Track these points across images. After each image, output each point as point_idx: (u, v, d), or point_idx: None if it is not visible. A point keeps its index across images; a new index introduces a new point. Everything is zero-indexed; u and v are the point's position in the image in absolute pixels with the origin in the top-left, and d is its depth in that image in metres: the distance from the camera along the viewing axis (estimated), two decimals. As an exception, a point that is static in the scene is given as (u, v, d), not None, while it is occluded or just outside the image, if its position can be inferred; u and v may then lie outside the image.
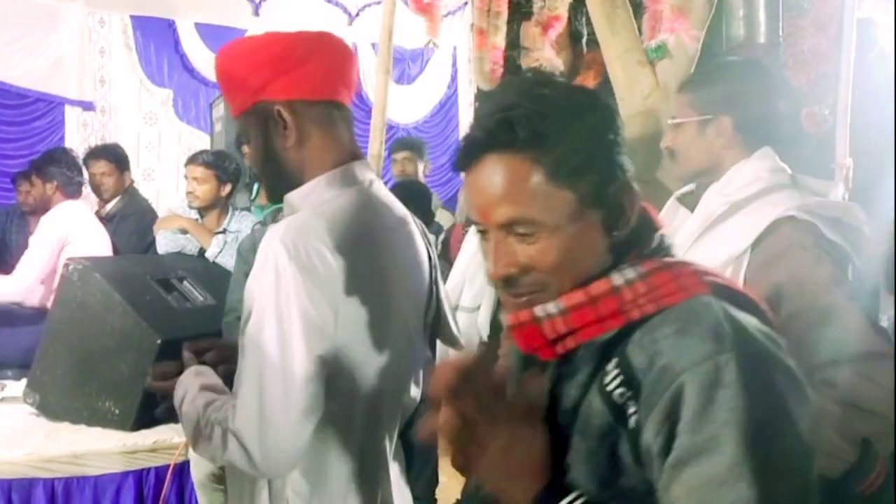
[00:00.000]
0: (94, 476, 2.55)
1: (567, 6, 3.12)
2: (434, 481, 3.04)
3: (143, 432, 2.65)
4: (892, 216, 2.18)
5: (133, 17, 6.46)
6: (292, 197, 1.45)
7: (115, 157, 4.47)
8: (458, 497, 1.39)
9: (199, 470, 2.61)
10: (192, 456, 2.63)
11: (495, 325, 2.46)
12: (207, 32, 6.61)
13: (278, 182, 1.48)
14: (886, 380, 1.64)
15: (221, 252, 3.53)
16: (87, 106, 6.38)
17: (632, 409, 0.94)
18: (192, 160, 3.66)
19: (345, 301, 1.34)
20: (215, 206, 3.63)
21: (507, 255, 1.01)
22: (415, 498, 1.66)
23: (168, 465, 2.58)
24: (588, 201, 1.00)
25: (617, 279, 1.00)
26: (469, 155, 1.03)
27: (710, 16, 2.59)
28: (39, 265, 3.82)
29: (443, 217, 4.18)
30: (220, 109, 5.32)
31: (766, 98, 1.90)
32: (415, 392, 1.58)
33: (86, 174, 4.37)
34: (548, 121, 0.99)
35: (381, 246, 1.44)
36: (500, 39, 3.64)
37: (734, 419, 0.87)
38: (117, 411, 2.65)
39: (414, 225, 1.59)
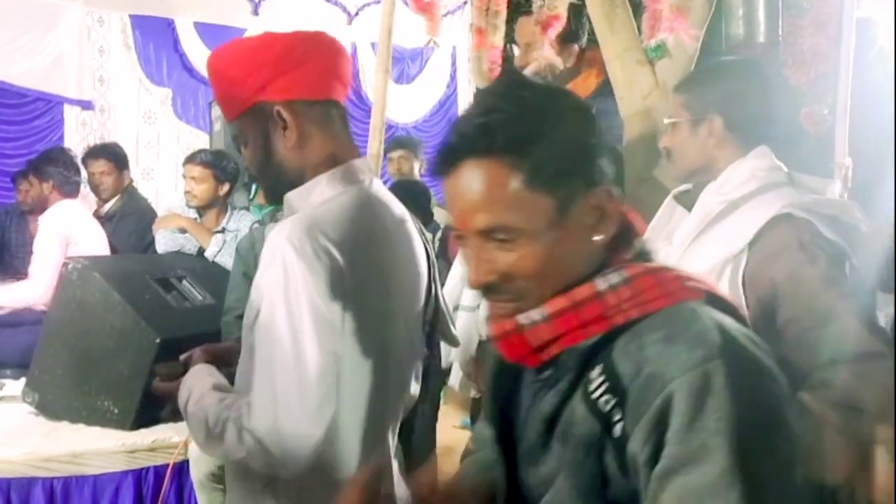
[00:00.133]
0: (93, 475, 2.55)
1: (566, 5, 3.12)
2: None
3: (142, 431, 2.65)
4: (892, 216, 2.18)
5: (132, 16, 6.46)
6: (293, 196, 1.45)
7: (113, 156, 4.46)
8: None
9: (199, 469, 2.61)
10: (192, 455, 2.63)
11: None
12: (206, 32, 6.60)
13: (278, 183, 1.48)
14: (884, 380, 1.63)
15: (220, 251, 3.53)
16: (86, 105, 6.37)
17: (617, 417, 0.92)
18: (190, 159, 3.67)
19: (351, 298, 1.34)
20: (213, 206, 3.64)
21: (487, 263, 1.00)
22: None
23: (167, 465, 2.58)
24: (568, 206, 0.99)
25: (601, 284, 0.99)
26: (447, 160, 1.01)
27: (709, 15, 2.59)
28: (52, 266, 3.81)
29: (440, 216, 4.19)
30: (219, 109, 5.31)
31: (759, 98, 1.91)
32: (414, 388, 1.59)
33: (84, 173, 4.37)
34: (527, 125, 0.98)
35: (383, 244, 1.45)
36: (498, 39, 3.64)
37: (724, 428, 0.86)
38: (116, 410, 2.65)
39: (412, 223, 1.60)
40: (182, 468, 2.65)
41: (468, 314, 2.49)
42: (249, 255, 2.99)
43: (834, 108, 2.66)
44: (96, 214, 4.39)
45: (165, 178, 6.70)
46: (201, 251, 3.58)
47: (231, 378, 1.50)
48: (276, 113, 1.43)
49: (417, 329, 1.58)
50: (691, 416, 0.87)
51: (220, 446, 1.36)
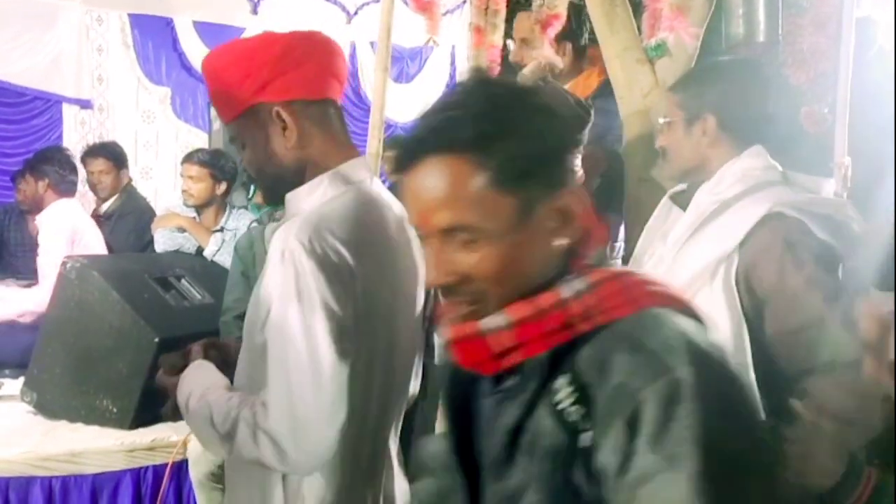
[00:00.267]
0: (91, 474, 2.55)
1: (566, 4, 3.12)
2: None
3: (141, 431, 2.65)
4: (892, 216, 2.17)
5: (131, 15, 6.44)
6: (295, 196, 1.46)
7: (112, 155, 4.46)
8: None
9: (198, 468, 2.60)
10: (191, 454, 2.63)
11: None
12: (205, 30, 6.59)
13: (277, 183, 1.49)
14: (864, 389, 1.63)
15: (219, 250, 3.53)
16: (85, 104, 6.36)
17: (585, 427, 0.91)
18: (188, 159, 3.69)
19: (360, 296, 1.35)
20: (211, 205, 3.65)
21: (447, 263, 0.98)
22: None
23: (166, 464, 2.58)
24: (532, 208, 0.96)
25: (565, 291, 0.96)
26: (410, 155, 0.99)
27: (709, 14, 2.59)
28: None
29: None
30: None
31: (754, 97, 1.92)
32: (414, 385, 1.60)
33: (83, 172, 4.37)
34: (492, 123, 0.95)
35: (386, 243, 1.46)
36: (497, 37, 3.64)
37: (694, 436, 0.85)
38: (115, 409, 2.64)
39: None
40: (181, 467, 2.65)
41: None
42: (248, 255, 2.99)
43: (834, 107, 2.66)
44: (95, 213, 4.38)
45: (164, 177, 6.69)
46: (200, 250, 3.58)
47: (227, 375, 1.50)
48: (276, 114, 1.43)
49: (417, 327, 1.59)
50: (660, 425, 0.86)
51: (228, 445, 1.36)
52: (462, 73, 3.23)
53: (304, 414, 1.29)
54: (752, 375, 1.73)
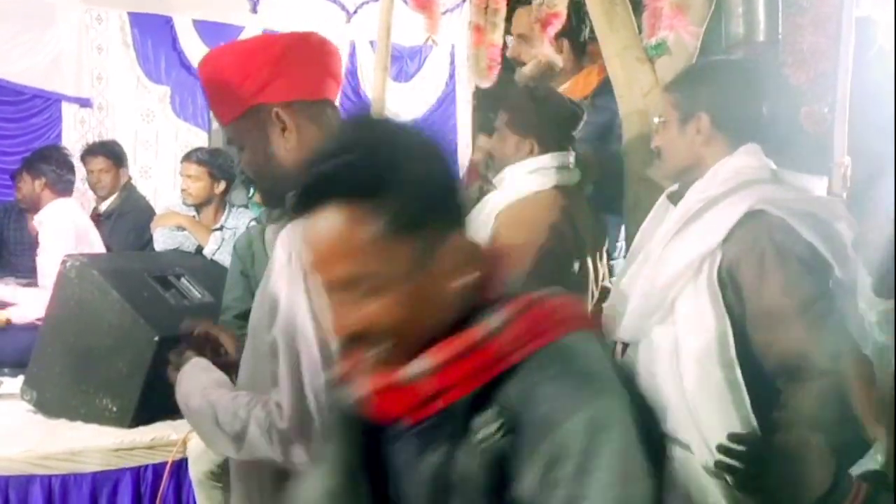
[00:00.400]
0: (91, 473, 2.55)
1: (566, 3, 3.11)
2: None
3: (141, 429, 2.65)
4: (892, 215, 2.17)
5: (131, 14, 6.43)
6: None
7: (112, 153, 4.47)
8: None
9: (197, 467, 2.60)
10: (190, 453, 2.63)
11: None
12: (205, 29, 6.58)
13: (278, 185, 1.48)
14: (839, 397, 1.64)
15: (219, 249, 3.53)
16: (85, 103, 6.35)
17: (510, 462, 0.90)
18: (187, 158, 3.71)
19: None
20: (210, 203, 3.66)
21: (350, 312, 0.94)
22: None
23: (165, 462, 2.58)
24: (434, 248, 0.94)
25: (483, 328, 0.94)
26: (305, 203, 0.95)
27: (709, 13, 2.59)
28: None
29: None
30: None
31: (748, 96, 1.92)
32: None
33: (81, 171, 4.37)
34: (386, 167, 0.93)
35: None
36: (497, 36, 3.63)
37: (616, 465, 0.85)
38: (114, 408, 2.64)
39: None
40: (180, 466, 2.65)
41: None
42: (247, 254, 2.99)
43: (834, 106, 2.66)
44: (94, 212, 4.39)
45: (164, 176, 6.68)
46: (200, 249, 3.58)
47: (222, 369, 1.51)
48: (275, 115, 1.43)
49: None
50: (583, 457, 0.85)
51: (237, 444, 1.37)
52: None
53: (320, 415, 1.30)
54: (738, 372, 1.74)
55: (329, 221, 0.93)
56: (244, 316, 2.73)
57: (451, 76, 7.73)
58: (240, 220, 3.61)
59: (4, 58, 5.91)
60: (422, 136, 1.00)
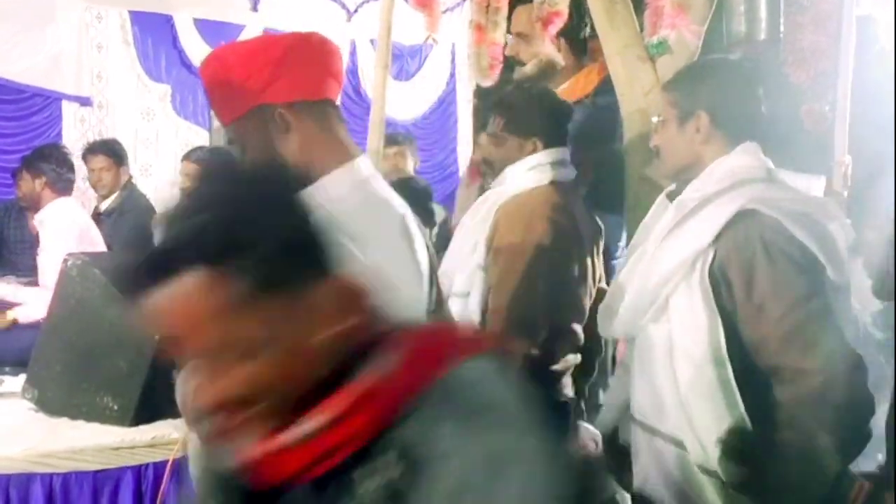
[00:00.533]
0: (92, 471, 2.54)
1: (567, 1, 3.11)
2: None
3: (142, 428, 2.65)
4: (892, 215, 2.18)
5: (131, 13, 6.43)
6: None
7: (112, 152, 4.47)
8: None
9: (198, 466, 2.60)
10: (191, 451, 2.63)
11: (486, 311, 2.48)
12: (205, 28, 6.59)
13: None
14: (825, 399, 1.64)
15: (220, 247, 3.53)
16: (85, 101, 6.35)
17: (411, 503, 0.85)
18: (186, 157, 3.73)
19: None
20: (211, 202, 3.66)
21: (212, 384, 0.87)
22: None
23: (167, 461, 2.58)
24: (304, 301, 0.88)
25: (373, 374, 0.88)
26: (158, 270, 0.86)
27: (711, 12, 2.59)
28: None
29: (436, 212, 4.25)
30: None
31: (747, 95, 1.93)
32: None
33: (81, 170, 4.37)
34: (244, 225, 0.86)
35: (390, 238, 1.46)
36: (499, 35, 3.63)
37: (517, 497, 0.81)
38: (116, 407, 2.64)
39: (413, 219, 1.61)
40: (181, 464, 2.65)
41: (460, 300, 2.50)
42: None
43: (835, 105, 2.66)
44: (95, 211, 4.39)
45: (164, 175, 6.68)
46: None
47: None
48: (278, 115, 1.43)
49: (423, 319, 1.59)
50: (483, 493, 0.81)
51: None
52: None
53: None
54: (730, 370, 1.74)
55: (185, 288, 0.85)
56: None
57: (452, 75, 7.73)
58: (241, 218, 3.62)
59: (4, 56, 5.91)
60: (279, 185, 0.93)
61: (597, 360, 2.72)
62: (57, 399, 2.73)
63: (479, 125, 5.82)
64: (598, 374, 2.76)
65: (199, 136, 6.59)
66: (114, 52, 6.43)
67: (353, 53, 6.95)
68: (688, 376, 1.79)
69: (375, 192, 1.49)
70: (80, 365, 2.68)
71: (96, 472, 2.55)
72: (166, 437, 2.63)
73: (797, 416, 1.67)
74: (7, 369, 3.27)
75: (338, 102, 1.60)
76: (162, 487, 2.58)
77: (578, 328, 2.51)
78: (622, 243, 2.95)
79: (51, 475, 2.49)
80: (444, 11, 5.33)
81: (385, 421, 0.87)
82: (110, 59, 6.42)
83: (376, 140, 3.36)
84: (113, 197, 4.42)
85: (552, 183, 2.50)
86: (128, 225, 4.27)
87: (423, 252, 1.59)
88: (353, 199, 1.43)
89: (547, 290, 2.41)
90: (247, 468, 0.92)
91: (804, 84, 3.03)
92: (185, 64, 6.58)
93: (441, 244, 3.72)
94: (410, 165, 4.87)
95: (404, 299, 1.51)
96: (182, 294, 0.85)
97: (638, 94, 2.62)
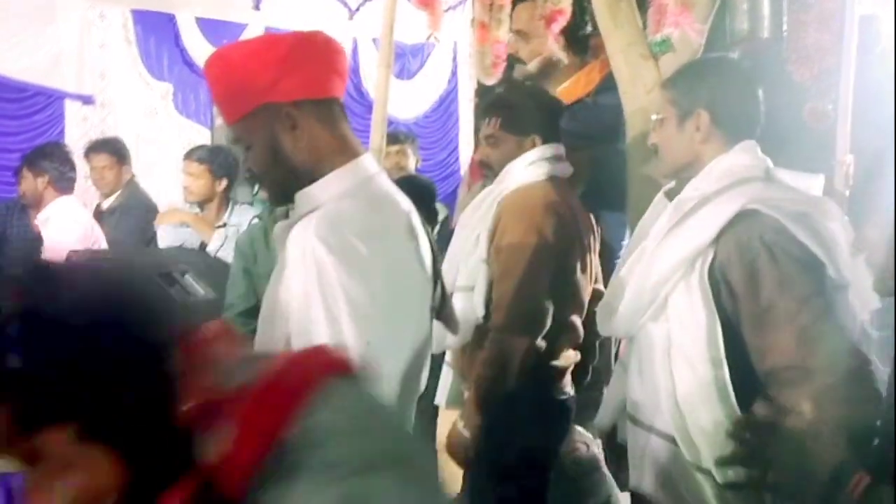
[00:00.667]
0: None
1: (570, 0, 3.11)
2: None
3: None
4: (893, 214, 2.18)
5: (133, 11, 6.43)
6: (307, 194, 1.47)
7: (115, 150, 4.48)
8: None
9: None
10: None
11: (489, 304, 2.49)
12: (208, 27, 6.59)
13: (287, 183, 1.50)
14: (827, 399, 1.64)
15: (223, 246, 3.54)
16: (87, 100, 6.36)
17: None
18: (188, 156, 3.74)
19: (378, 290, 1.36)
20: (212, 200, 3.67)
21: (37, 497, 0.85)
22: None
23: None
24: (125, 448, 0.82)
25: (214, 456, 0.81)
26: None
27: (714, 10, 2.59)
28: None
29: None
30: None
31: (747, 93, 1.93)
32: (424, 376, 1.61)
33: (85, 168, 4.37)
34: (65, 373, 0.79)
35: (397, 236, 1.47)
36: (502, 33, 3.62)
37: None
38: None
39: (417, 216, 1.61)
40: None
41: (464, 294, 2.51)
42: (249, 252, 3.00)
43: (837, 104, 2.66)
44: (98, 209, 4.39)
45: (166, 173, 6.69)
46: (204, 246, 3.59)
47: None
48: (285, 113, 1.44)
49: (428, 320, 1.60)
50: None
51: None
52: (469, 69, 3.17)
53: None
54: (726, 370, 1.75)
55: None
56: (247, 313, 2.74)
57: (454, 73, 7.73)
58: (243, 216, 3.62)
59: (6, 55, 5.91)
60: (94, 304, 0.83)
61: (591, 363, 2.73)
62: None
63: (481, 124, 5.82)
64: (593, 377, 2.77)
65: (202, 135, 6.59)
66: (116, 50, 6.43)
67: (354, 52, 6.95)
68: (685, 376, 1.79)
69: (381, 190, 1.50)
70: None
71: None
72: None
73: (804, 414, 1.66)
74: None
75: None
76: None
77: (578, 322, 2.52)
78: (625, 242, 2.94)
79: (53, 473, 2.50)
80: (446, 10, 5.34)
81: (234, 501, 0.81)
82: (112, 58, 6.42)
83: (378, 138, 3.36)
84: (115, 195, 4.42)
85: (550, 178, 2.52)
86: (130, 223, 4.28)
87: (427, 250, 1.59)
88: (358, 196, 1.44)
89: (550, 281, 2.42)
90: None
91: (807, 82, 3.02)
92: (188, 62, 6.59)
93: (442, 243, 3.73)
94: (412, 164, 4.88)
95: (409, 298, 1.51)
96: None
97: (641, 92, 2.62)
